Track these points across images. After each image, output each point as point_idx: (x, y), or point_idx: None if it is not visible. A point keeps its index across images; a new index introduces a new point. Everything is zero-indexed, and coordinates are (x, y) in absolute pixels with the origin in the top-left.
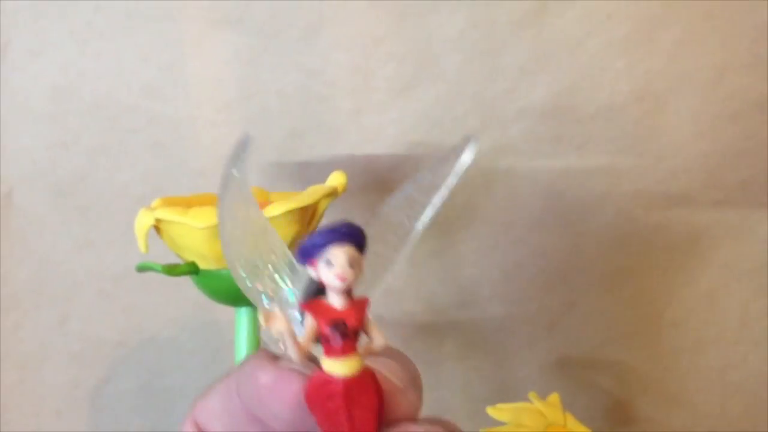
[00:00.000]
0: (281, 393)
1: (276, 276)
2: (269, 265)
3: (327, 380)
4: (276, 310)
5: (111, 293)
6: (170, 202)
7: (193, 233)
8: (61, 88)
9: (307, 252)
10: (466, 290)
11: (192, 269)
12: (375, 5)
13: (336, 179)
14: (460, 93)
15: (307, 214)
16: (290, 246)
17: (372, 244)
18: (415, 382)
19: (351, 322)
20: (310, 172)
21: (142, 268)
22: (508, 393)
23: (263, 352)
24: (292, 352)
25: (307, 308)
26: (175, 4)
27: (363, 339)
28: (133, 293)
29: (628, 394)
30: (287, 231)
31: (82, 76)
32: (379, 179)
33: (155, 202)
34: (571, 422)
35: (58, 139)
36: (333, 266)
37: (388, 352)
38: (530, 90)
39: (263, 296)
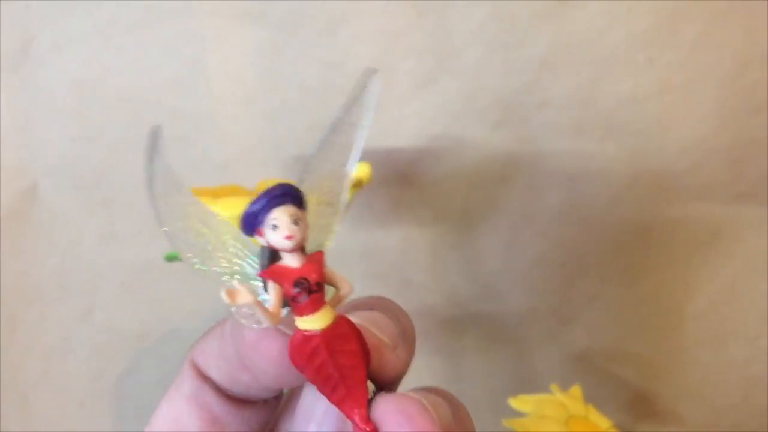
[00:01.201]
0: (265, 350)
1: (228, 254)
2: (218, 246)
3: (305, 338)
4: (236, 284)
5: (134, 285)
6: (198, 193)
7: None
8: (84, 82)
9: (250, 222)
10: (487, 283)
11: None
12: None
13: (361, 170)
14: (480, 86)
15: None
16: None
17: (314, 197)
18: (405, 334)
19: (312, 276)
20: None
21: (170, 258)
22: (528, 386)
23: None
24: (265, 321)
25: (267, 275)
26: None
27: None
28: (156, 285)
29: (650, 387)
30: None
31: (105, 71)
32: (400, 172)
33: None
34: (593, 414)
35: (82, 133)
36: (279, 228)
37: (379, 305)
38: (551, 83)
39: (223, 278)
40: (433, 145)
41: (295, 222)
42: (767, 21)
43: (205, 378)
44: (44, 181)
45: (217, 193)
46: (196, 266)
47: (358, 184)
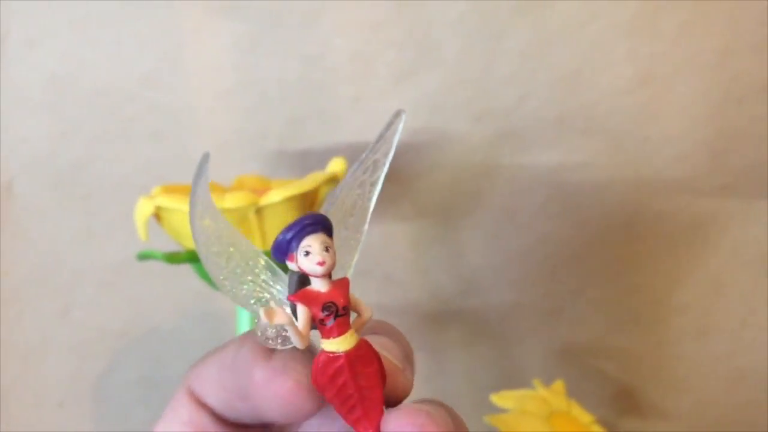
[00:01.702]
0: (275, 391)
1: (257, 279)
2: (248, 270)
3: (331, 359)
4: (273, 305)
5: (113, 284)
6: (170, 190)
7: None
8: (59, 77)
9: (283, 249)
10: (470, 278)
11: (193, 257)
12: None
13: (336, 165)
14: (461, 79)
15: (308, 200)
16: None
17: (337, 230)
18: (408, 358)
19: (339, 301)
20: (310, 159)
21: (143, 257)
22: (512, 380)
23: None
24: (296, 341)
25: (296, 299)
26: None
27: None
28: (135, 283)
29: (634, 380)
30: (287, 217)
31: (80, 66)
32: None
33: (155, 190)
34: (576, 409)
35: (58, 129)
36: (311, 254)
37: (382, 329)
38: (532, 75)
39: (251, 300)
40: (414, 139)
41: (326, 249)
42: (749, 12)
43: (202, 404)
44: (20, 178)
45: (189, 190)
46: (227, 288)
47: (333, 180)
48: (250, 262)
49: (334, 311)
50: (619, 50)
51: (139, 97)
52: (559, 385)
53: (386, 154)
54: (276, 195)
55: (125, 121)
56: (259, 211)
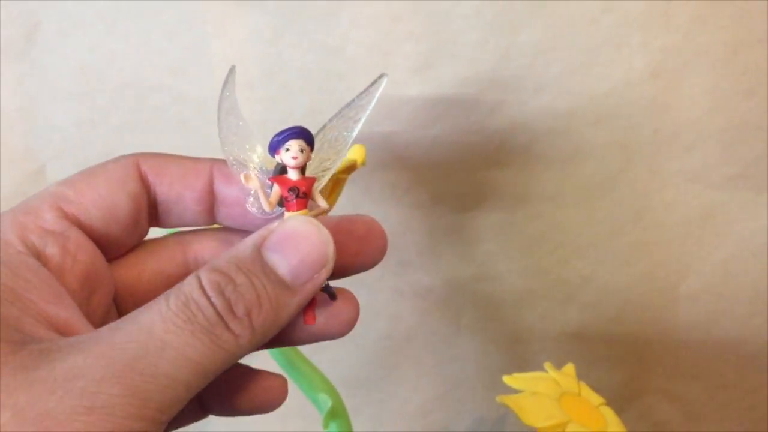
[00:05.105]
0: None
1: (255, 158)
2: (250, 150)
3: None
4: (251, 172)
5: None
6: None
7: None
8: (90, 67)
9: (274, 145)
10: (484, 265)
11: None
12: None
13: (355, 152)
14: (477, 70)
15: (327, 186)
16: None
17: (320, 151)
18: None
19: (302, 188)
20: None
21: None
22: (524, 365)
23: None
24: (264, 204)
25: (274, 180)
26: None
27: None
28: None
29: (643, 366)
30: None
31: (110, 56)
32: (397, 155)
33: None
34: (586, 391)
35: (88, 117)
36: (289, 151)
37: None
38: (546, 67)
39: (251, 167)
40: (430, 129)
41: (301, 150)
42: (759, 6)
43: (147, 183)
44: (52, 164)
45: None
46: (234, 157)
47: (352, 167)
48: (254, 148)
49: (296, 193)
50: (631, 43)
51: (166, 88)
52: (569, 368)
53: (369, 101)
54: None
55: (152, 111)
56: None
